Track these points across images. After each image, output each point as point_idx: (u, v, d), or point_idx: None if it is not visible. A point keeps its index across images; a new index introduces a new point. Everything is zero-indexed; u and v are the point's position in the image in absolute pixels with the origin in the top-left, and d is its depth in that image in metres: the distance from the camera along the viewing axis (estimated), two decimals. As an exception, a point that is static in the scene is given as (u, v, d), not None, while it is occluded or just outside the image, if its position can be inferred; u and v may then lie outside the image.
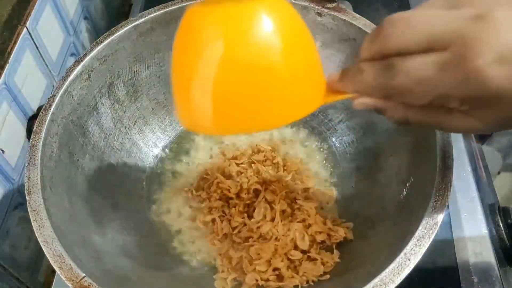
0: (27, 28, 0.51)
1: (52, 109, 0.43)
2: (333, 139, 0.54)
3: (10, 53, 0.48)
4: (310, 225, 0.46)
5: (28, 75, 0.52)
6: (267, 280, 0.42)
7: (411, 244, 0.35)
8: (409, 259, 0.34)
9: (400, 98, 0.29)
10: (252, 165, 0.51)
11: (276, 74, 0.29)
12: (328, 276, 0.42)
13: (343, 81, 0.31)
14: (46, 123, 0.42)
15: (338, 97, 0.31)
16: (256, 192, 0.48)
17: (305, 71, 0.31)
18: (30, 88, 0.53)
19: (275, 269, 0.43)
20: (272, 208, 0.47)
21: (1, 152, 0.47)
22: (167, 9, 0.50)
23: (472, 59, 0.24)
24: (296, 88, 0.30)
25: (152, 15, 0.50)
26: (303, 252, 0.44)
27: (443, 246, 0.48)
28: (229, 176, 0.50)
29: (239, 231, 0.47)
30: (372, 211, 0.46)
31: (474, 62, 0.24)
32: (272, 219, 0.46)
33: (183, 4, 0.50)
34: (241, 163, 0.52)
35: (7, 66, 0.47)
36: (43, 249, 0.35)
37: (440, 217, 0.36)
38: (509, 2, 0.25)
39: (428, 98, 0.27)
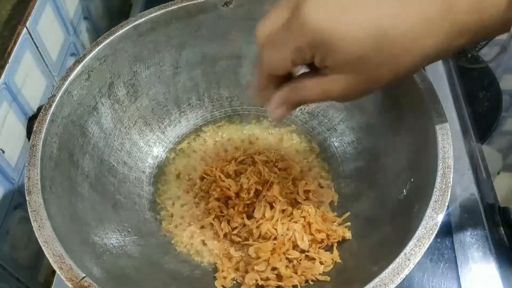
0: (27, 28, 0.51)
1: (52, 109, 0.43)
2: (333, 139, 0.54)
3: (10, 53, 0.48)
4: (310, 223, 0.46)
5: (28, 75, 0.52)
6: (267, 279, 0.42)
7: (411, 244, 0.35)
8: (409, 259, 0.34)
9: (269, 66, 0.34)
10: (254, 165, 0.51)
11: None
12: (328, 277, 0.42)
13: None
14: (46, 123, 0.42)
15: None
16: (256, 193, 0.48)
17: None
18: (30, 88, 0.53)
19: (274, 269, 0.43)
20: (272, 207, 0.47)
21: (1, 152, 0.47)
22: (167, 9, 0.50)
23: (301, 5, 0.29)
24: None
25: (152, 15, 0.50)
26: (302, 251, 0.44)
27: (443, 246, 0.48)
28: (229, 176, 0.50)
29: (239, 231, 0.47)
30: (372, 211, 0.46)
31: (302, 8, 0.29)
32: (272, 218, 0.46)
33: (183, 4, 0.50)
34: (243, 163, 0.52)
35: (7, 66, 0.47)
36: (43, 249, 0.35)
37: (440, 217, 0.36)
38: None
39: (287, 55, 0.31)
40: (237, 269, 0.45)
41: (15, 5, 0.51)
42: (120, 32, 0.48)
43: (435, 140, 0.40)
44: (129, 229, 0.46)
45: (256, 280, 0.42)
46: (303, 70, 0.34)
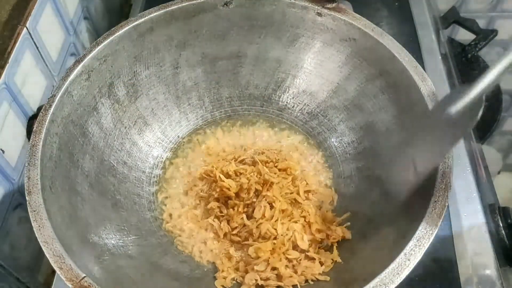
0: (27, 28, 0.51)
1: (52, 109, 0.43)
2: (333, 139, 0.54)
3: (10, 53, 0.48)
4: (310, 223, 0.46)
5: (28, 75, 0.52)
6: (267, 279, 0.42)
7: (411, 244, 0.35)
8: (409, 260, 0.34)
9: None
10: (254, 165, 0.51)
11: None
12: (328, 277, 0.42)
13: None
14: (46, 123, 0.42)
15: None
16: (256, 193, 0.48)
17: None
18: (30, 88, 0.52)
19: (273, 269, 0.43)
20: (272, 207, 0.47)
21: (1, 152, 0.47)
22: (167, 9, 0.50)
23: None
24: None
25: (152, 15, 0.50)
26: (302, 251, 0.44)
27: (443, 246, 0.48)
28: (229, 176, 0.50)
29: (239, 231, 0.47)
30: (372, 211, 0.46)
31: None
32: (272, 218, 0.46)
33: (183, 4, 0.50)
34: (243, 163, 0.52)
35: (7, 66, 0.47)
36: (43, 249, 0.35)
37: (440, 217, 0.36)
38: None
39: None
40: (237, 269, 0.45)
41: (15, 5, 0.51)
42: (120, 32, 0.48)
43: (435, 140, 0.40)
44: (129, 229, 0.46)
45: (256, 280, 0.42)
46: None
